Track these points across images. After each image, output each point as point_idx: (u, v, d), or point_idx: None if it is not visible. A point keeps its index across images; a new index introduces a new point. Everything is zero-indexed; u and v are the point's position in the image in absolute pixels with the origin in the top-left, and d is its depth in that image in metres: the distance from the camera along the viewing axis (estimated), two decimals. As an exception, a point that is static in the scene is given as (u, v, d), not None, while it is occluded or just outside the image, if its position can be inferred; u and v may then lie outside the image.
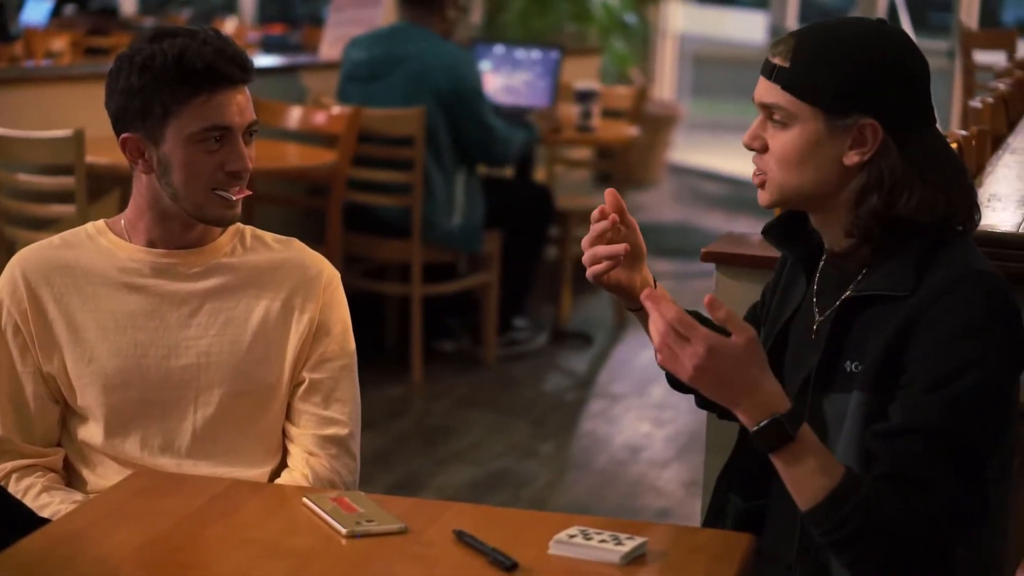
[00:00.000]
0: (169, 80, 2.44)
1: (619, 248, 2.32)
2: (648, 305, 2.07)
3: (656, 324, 2.07)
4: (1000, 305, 2.16)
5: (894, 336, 2.16)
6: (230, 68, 2.46)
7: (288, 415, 2.60)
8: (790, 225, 2.39)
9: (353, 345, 2.63)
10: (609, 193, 2.36)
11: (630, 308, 2.43)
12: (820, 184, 2.24)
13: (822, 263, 2.35)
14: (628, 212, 2.37)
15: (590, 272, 2.34)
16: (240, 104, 2.48)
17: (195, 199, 2.50)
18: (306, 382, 2.58)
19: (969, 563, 2.21)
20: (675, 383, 2.44)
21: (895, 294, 2.19)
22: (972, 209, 2.26)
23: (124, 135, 2.51)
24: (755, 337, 2.07)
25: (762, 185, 2.27)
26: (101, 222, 2.61)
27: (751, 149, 2.27)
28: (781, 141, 2.23)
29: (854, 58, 2.20)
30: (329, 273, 2.63)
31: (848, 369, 2.22)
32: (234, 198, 2.50)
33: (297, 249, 2.64)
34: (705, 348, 2.04)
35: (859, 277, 2.26)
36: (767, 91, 2.24)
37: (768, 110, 2.24)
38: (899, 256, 2.22)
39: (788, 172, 2.24)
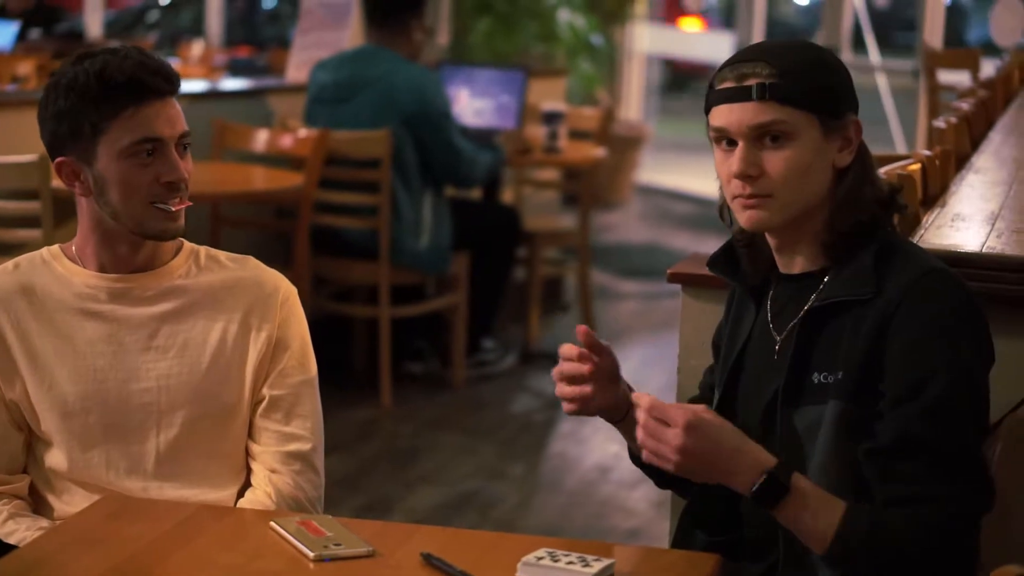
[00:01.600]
0: (93, 98, 2.45)
1: (585, 390, 2.33)
2: (634, 400, 2.16)
3: (639, 417, 2.13)
4: (963, 302, 2.21)
5: (867, 341, 2.19)
6: (153, 80, 2.47)
7: (250, 433, 2.59)
8: (732, 256, 2.40)
9: (313, 361, 2.63)
10: (581, 332, 2.32)
11: (613, 421, 2.42)
12: (818, 193, 2.26)
13: (773, 288, 2.36)
14: (598, 341, 2.33)
15: (566, 409, 2.37)
16: (169, 115, 2.48)
17: (134, 214, 2.49)
18: (266, 399, 2.58)
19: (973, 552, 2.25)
20: (658, 478, 2.47)
21: (859, 298, 2.21)
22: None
23: (58, 159, 2.51)
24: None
25: (758, 207, 2.25)
26: (56, 247, 2.60)
27: (747, 178, 2.24)
28: (784, 158, 2.23)
29: (827, 61, 2.27)
30: (286, 289, 2.62)
31: (816, 381, 2.24)
32: (173, 209, 2.50)
33: (252, 267, 2.64)
34: (683, 424, 2.10)
35: (821, 287, 2.27)
36: (759, 112, 2.22)
37: (760, 131, 2.23)
38: (855, 262, 2.25)
39: (795, 188, 2.24)
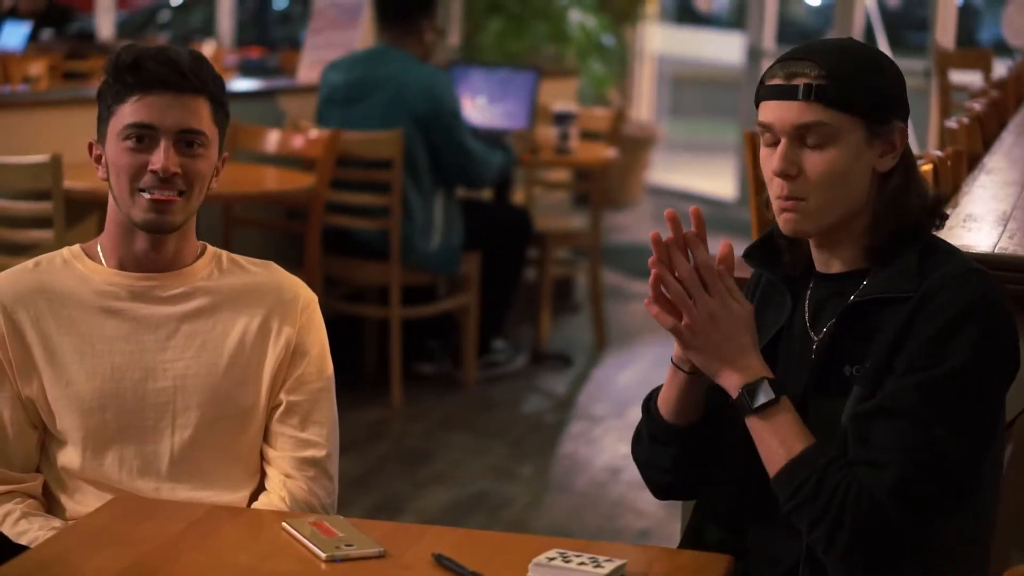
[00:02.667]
0: (110, 80, 2.51)
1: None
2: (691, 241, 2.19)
3: (682, 265, 2.18)
4: (994, 306, 2.20)
5: (896, 331, 2.19)
6: (160, 69, 2.48)
7: (266, 437, 2.60)
8: (769, 247, 2.40)
9: (331, 368, 2.63)
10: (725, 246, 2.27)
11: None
12: (857, 198, 2.27)
13: (811, 288, 2.35)
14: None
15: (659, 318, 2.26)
16: (173, 108, 2.49)
17: (124, 200, 2.52)
18: (283, 404, 2.58)
19: (951, 559, 2.24)
20: (657, 486, 2.47)
21: (900, 295, 2.21)
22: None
23: (90, 141, 2.57)
24: (753, 311, 2.24)
25: (792, 211, 2.25)
26: (76, 247, 2.61)
27: (786, 176, 2.25)
28: (823, 161, 2.23)
29: (881, 65, 2.28)
30: (306, 296, 2.63)
31: (847, 373, 2.25)
32: (148, 197, 2.49)
33: (274, 272, 2.65)
34: (722, 302, 2.19)
35: (862, 285, 2.28)
36: (804, 112, 2.23)
37: (802, 131, 2.23)
38: (898, 262, 2.25)
39: (832, 192, 2.24)
